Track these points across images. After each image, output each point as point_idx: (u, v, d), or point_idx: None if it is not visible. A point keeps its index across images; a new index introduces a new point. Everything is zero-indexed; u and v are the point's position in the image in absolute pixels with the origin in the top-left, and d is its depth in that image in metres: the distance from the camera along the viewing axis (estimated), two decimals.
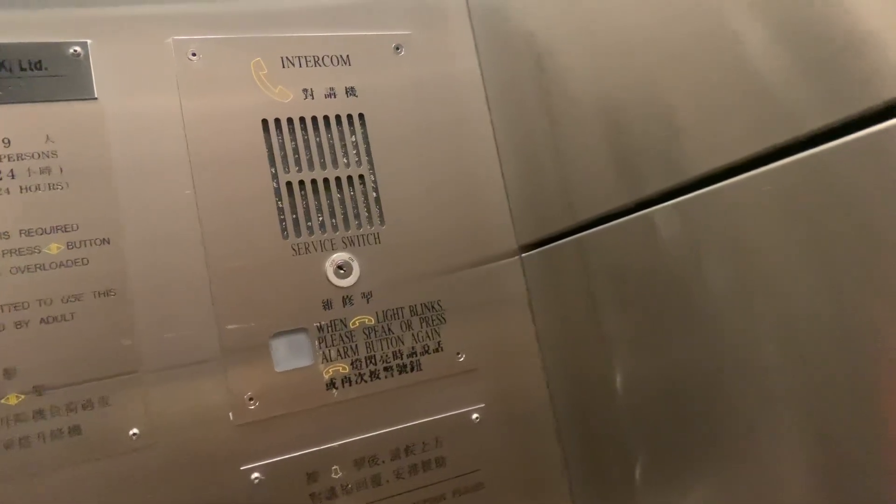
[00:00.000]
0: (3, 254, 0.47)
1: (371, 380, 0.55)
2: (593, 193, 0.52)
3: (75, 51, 0.52)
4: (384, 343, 0.56)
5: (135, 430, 0.49)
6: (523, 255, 0.62)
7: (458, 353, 0.58)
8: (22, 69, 0.51)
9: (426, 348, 0.57)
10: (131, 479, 0.48)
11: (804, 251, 0.36)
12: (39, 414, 0.47)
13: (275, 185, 0.55)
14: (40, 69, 0.51)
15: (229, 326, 0.52)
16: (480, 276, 0.60)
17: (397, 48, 0.62)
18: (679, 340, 0.45)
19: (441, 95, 0.62)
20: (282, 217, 0.55)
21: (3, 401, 0.46)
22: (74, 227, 0.50)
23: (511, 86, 0.61)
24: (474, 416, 0.57)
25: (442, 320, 0.58)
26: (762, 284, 0.39)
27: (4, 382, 0.46)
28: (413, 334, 0.57)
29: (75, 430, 0.48)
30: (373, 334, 0.56)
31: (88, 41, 0.52)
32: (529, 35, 0.57)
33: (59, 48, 0.52)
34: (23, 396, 0.47)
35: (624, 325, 0.51)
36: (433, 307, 0.58)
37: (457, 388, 0.57)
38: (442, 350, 0.57)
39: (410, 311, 0.57)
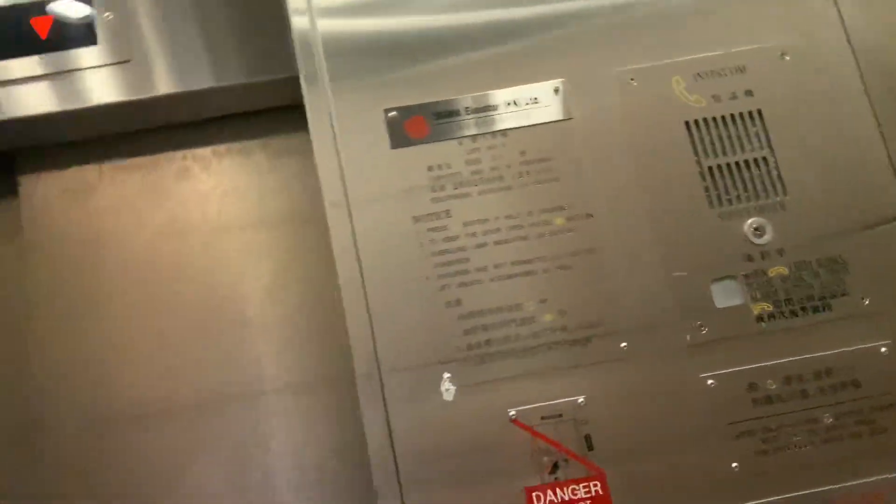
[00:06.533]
0: (529, 226, 0.71)
1: (790, 317, 0.69)
2: None
3: (556, 88, 0.75)
4: (797, 289, 0.70)
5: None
6: None
7: (862, 298, 0.69)
8: (516, 105, 0.75)
9: (833, 293, 0.69)
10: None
11: None
12: (563, 329, 0.69)
13: (699, 170, 0.73)
14: (536, 103, 0.75)
15: (675, 274, 0.70)
16: (875, 234, 0.71)
17: (782, 55, 0.76)
18: None
19: (822, 89, 0.75)
20: (707, 192, 0.72)
21: (539, 320, 0.69)
22: (566, 206, 0.72)
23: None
24: (883, 349, 0.68)
25: (845, 271, 0.70)
26: None
27: (540, 306, 0.69)
28: (821, 282, 0.70)
29: None
30: (787, 282, 0.70)
31: (561, 80, 0.75)
32: None
33: (542, 87, 0.75)
34: (552, 317, 0.69)
35: None
36: (837, 260, 0.70)
37: (864, 326, 0.69)
38: (847, 295, 0.69)
39: (817, 263, 0.70)
